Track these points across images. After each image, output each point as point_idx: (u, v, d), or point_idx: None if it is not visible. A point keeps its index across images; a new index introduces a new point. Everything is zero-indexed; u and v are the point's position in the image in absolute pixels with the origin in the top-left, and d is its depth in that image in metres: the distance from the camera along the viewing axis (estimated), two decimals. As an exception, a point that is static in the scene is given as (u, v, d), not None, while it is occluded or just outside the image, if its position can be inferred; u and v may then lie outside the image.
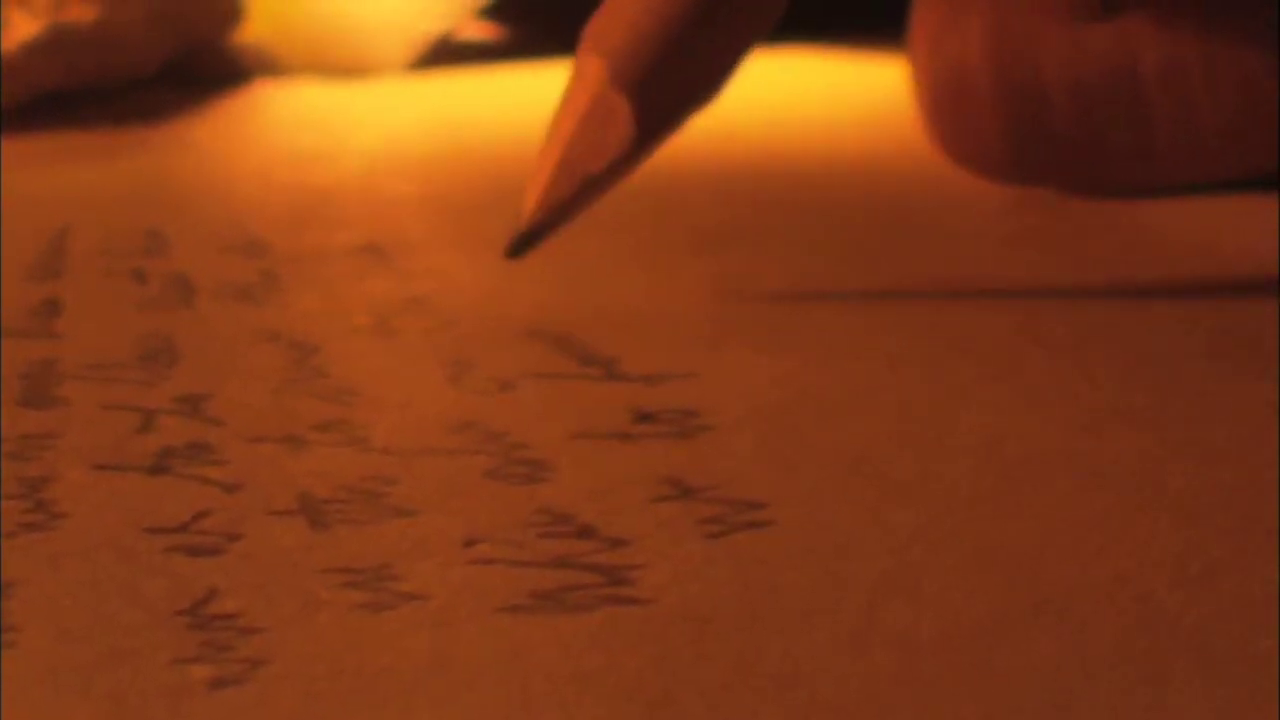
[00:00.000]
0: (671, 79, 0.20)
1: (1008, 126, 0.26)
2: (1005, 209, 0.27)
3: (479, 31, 0.55)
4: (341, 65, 0.49)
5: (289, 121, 0.41)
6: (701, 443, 0.17)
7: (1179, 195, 0.26)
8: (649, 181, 0.28)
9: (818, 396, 0.18)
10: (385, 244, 0.25)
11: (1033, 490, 0.15)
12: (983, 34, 0.26)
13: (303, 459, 0.17)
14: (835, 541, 0.14)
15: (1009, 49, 0.26)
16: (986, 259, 0.24)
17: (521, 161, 0.30)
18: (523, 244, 0.20)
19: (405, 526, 0.15)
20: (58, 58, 0.42)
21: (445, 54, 0.50)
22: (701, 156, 0.31)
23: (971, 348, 0.20)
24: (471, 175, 0.31)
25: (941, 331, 0.20)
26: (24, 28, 0.42)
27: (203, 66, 0.49)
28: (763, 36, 0.21)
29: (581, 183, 0.20)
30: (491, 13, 0.53)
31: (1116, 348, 0.20)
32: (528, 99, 0.39)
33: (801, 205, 0.28)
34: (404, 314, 0.22)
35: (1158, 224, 0.25)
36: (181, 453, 0.17)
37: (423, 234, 0.26)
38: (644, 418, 0.17)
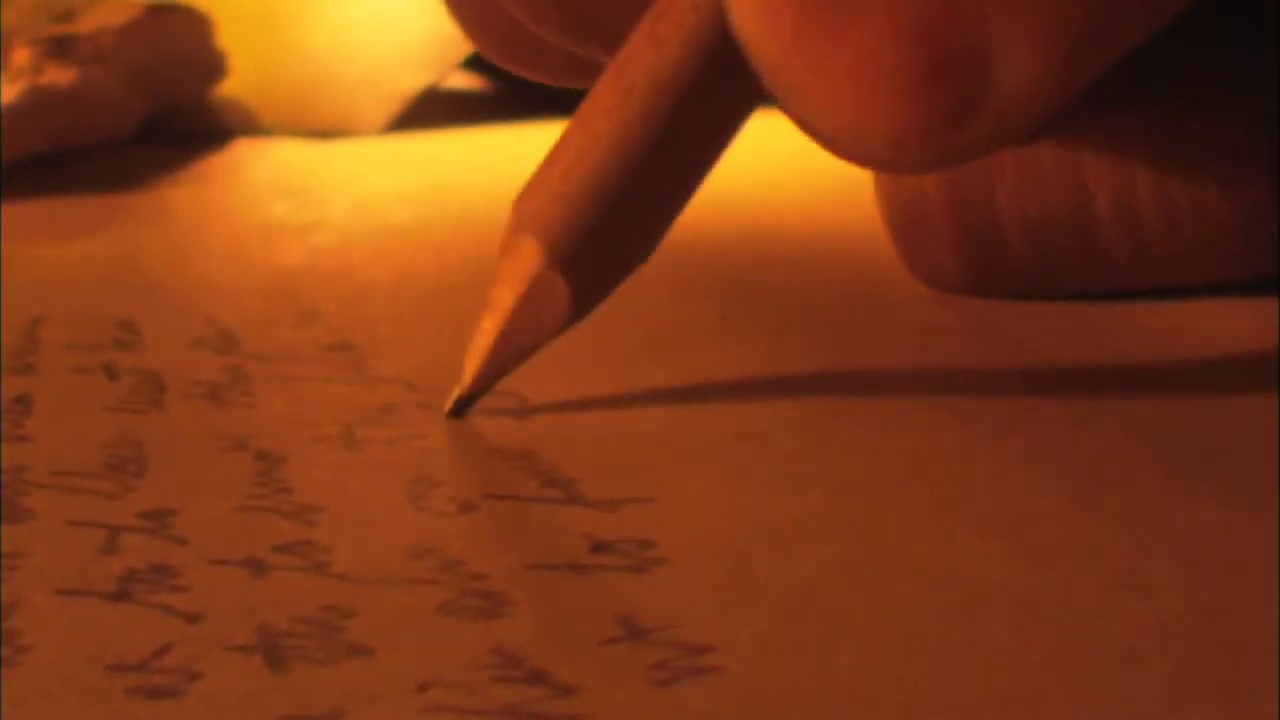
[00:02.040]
0: (608, 252, 0.21)
1: (962, 252, 0.27)
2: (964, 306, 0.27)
3: (463, 83, 0.56)
4: (323, 122, 0.50)
5: (266, 187, 0.41)
6: (654, 578, 0.17)
7: (1133, 300, 0.27)
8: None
9: (770, 528, 0.18)
10: (356, 341, 0.26)
11: (973, 631, 0.16)
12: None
13: (263, 585, 0.17)
14: (777, 690, 0.15)
15: (962, 182, 0.26)
16: (948, 361, 0.24)
17: (495, 237, 0.31)
18: (464, 406, 0.22)
19: (360, 667, 0.15)
20: (37, 121, 0.43)
21: (429, 107, 0.50)
22: (670, 241, 0.32)
23: (924, 469, 0.20)
24: (446, 254, 0.32)
25: (898, 452, 0.21)
26: (3, 92, 0.42)
27: (183, 124, 0.49)
28: (696, 189, 0.22)
29: (518, 354, 0.22)
30: (475, 64, 0.53)
31: (1068, 463, 0.20)
32: (506, 161, 0.39)
33: (767, 297, 0.28)
34: (370, 423, 0.22)
35: (1118, 328, 0.26)
36: (144, 576, 0.17)
37: (394, 330, 0.27)
38: (600, 547, 0.18)
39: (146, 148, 0.45)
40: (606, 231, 0.21)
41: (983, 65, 0.19)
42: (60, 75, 0.44)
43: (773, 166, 0.36)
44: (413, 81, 0.50)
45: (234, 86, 0.51)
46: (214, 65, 0.51)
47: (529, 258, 0.21)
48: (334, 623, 0.16)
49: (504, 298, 0.21)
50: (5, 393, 0.24)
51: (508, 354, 0.22)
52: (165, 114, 0.48)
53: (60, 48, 0.45)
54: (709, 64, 0.21)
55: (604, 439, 0.21)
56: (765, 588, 0.17)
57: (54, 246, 0.34)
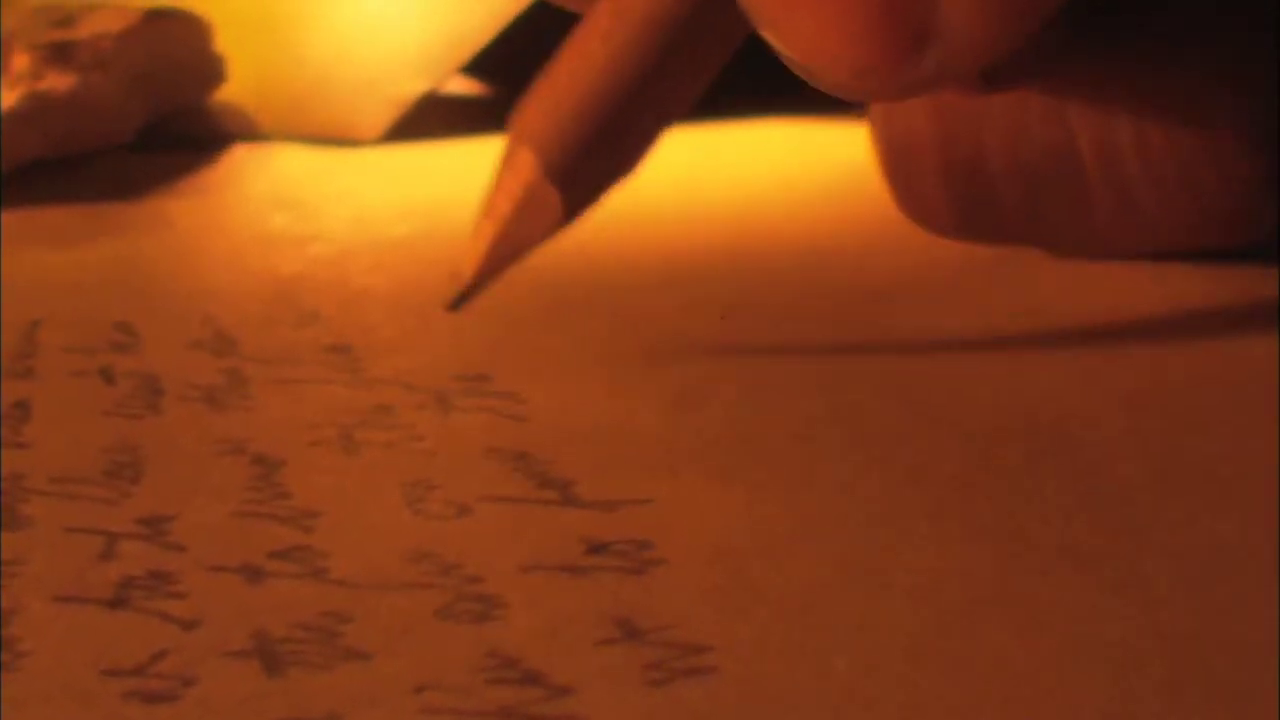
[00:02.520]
0: (598, 165, 0.23)
1: (953, 196, 0.28)
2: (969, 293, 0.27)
3: (463, 88, 0.56)
4: (322, 128, 0.50)
5: (264, 195, 0.41)
6: (651, 578, 0.17)
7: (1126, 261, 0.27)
8: (612, 279, 0.28)
9: (767, 530, 0.18)
10: (353, 344, 0.26)
11: (969, 636, 0.16)
12: (927, 110, 0.27)
13: (260, 591, 0.17)
14: (774, 692, 0.15)
15: (952, 126, 0.27)
16: (945, 366, 0.24)
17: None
18: (461, 302, 0.24)
19: (357, 670, 0.15)
20: (36, 127, 0.43)
21: (428, 112, 0.50)
22: (665, 246, 0.32)
23: (923, 475, 0.20)
24: (443, 266, 0.31)
25: (895, 455, 0.21)
26: (2, 98, 0.42)
27: (181, 128, 0.49)
28: (686, 111, 0.23)
29: (514, 255, 0.23)
30: (474, 69, 0.53)
31: (1068, 471, 0.20)
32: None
33: (765, 299, 0.28)
34: (368, 425, 0.22)
35: (1120, 310, 0.26)
36: (142, 583, 0.17)
37: (392, 333, 0.27)
38: (597, 548, 0.18)
39: (145, 154, 0.45)
40: (596, 147, 0.23)
41: (930, 4, 0.20)
42: (60, 81, 0.44)
43: (770, 173, 0.36)
44: (412, 87, 0.50)
45: (232, 91, 0.51)
46: (212, 70, 0.51)
47: (525, 168, 0.23)
48: (331, 628, 0.16)
49: (501, 204, 0.23)
50: (5, 398, 0.24)
51: (504, 255, 0.23)
52: (164, 119, 0.48)
53: (60, 53, 0.45)
54: None
55: (601, 440, 0.21)
56: (762, 589, 0.17)
57: (54, 252, 0.34)
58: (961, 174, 0.27)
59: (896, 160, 0.28)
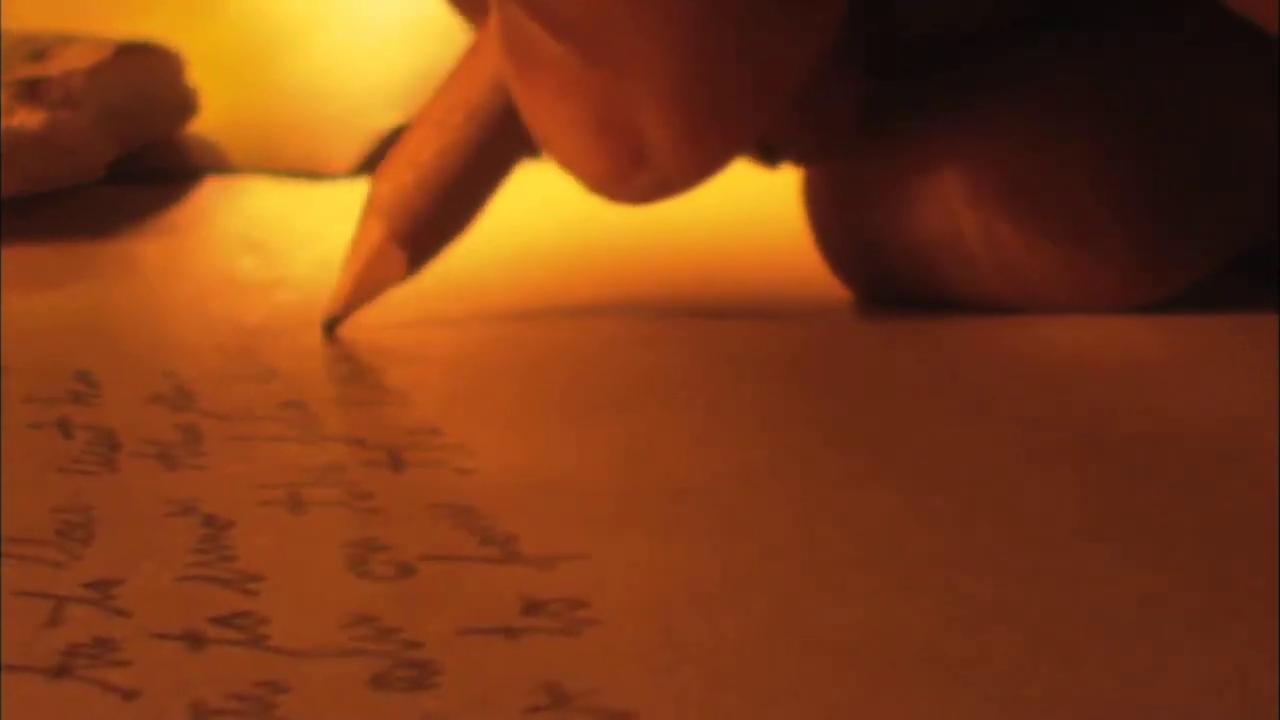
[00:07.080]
0: (439, 226, 0.29)
1: (860, 269, 0.29)
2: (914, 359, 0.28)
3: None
4: (294, 161, 0.50)
5: (233, 234, 0.41)
6: (584, 640, 0.17)
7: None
8: (569, 327, 0.29)
9: (701, 586, 0.19)
10: (309, 399, 0.26)
11: (896, 694, 0.16)
12: (830, 188, 0.28)
13: (201, 659, 0.17)
14: (695, 763, 0.15)
15: (852, 203, 0.28)
16: (890, 416, 0.25)
17: (446, 299, 0.31)
18: (332, 327, 0.30)
19: (290, 744, 0.16)
20: (9, 165, 0.43)
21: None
22: (624, 292, 0.32)
23: (857, 529, 0.20)
24: (403, 313, 0.32)
25: (830, 509, 0.21)
26: (-28, 138, 0.42)
27: (153, 161, 0.50)
28: (503, 184, 0.29)
29: (368, 298, 0.30)
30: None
31: (1002, 522, 0.20)
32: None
33: (716, 350, 0.29)
34: (317, 484, 0.22)
35: (1061, 373, 0.26)
36: (86, 651, 0.18)
37: (346, 388, 0.27)
38: (532, 608, 0.18)
39: (115, 188, 0.45)
40: (432, 213, 0.28)
41: (635, 127, 0.23)
42: (30, 118, 0.44)
43: (735, 216, 0.36)
44: (385, 120, 0.50)
45: (204, 124, 0.51)
46: (184, 103, 0.51)
47: (376, 232, 0.29)
48: (266, 699, 0.16)
49: (357, 260, 0.29)
50: (-38, 454, 0.24)
51: (359, 298, 0.29)
52: (136, 152, 0.49)
53: (30, 91, 0.45)
54: (507, 97, 0.26)
55: (547, 492, 0.22)
56: (690, 648, 0.17)
57: (22, 297, 0.34)
58: (862, 249, 0.28)
59: (817, 230, 0.29)
